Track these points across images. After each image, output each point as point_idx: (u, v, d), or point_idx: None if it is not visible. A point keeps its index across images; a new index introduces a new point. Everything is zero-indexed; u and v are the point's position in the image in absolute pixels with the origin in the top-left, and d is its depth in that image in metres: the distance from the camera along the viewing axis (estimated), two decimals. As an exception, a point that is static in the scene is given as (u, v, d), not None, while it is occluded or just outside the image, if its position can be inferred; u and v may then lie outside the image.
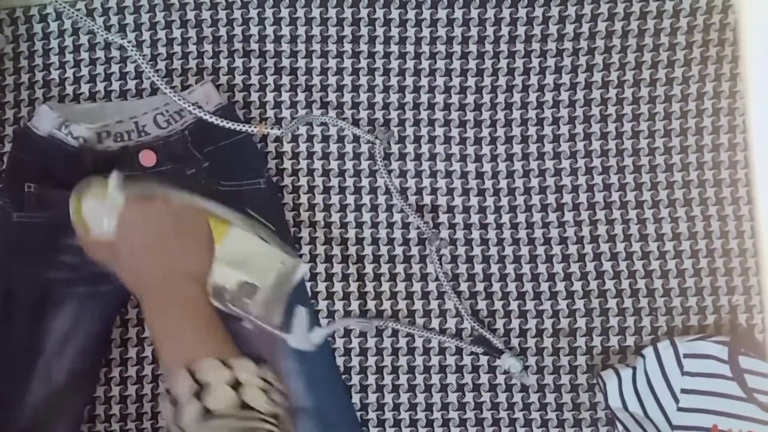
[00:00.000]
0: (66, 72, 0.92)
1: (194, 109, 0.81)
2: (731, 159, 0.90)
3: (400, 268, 0.89)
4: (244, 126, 0.82)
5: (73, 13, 0.83)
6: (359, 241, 0.90)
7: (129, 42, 0.81)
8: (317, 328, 0.76)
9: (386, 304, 0.89)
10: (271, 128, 0.84)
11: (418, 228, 0.89)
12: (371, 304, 0.89)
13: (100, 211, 0.70)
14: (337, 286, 0.89)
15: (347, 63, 0.92)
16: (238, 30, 0.93)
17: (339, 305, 0.89)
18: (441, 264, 0.88)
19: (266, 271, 0.76)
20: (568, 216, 0.90)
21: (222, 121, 0.81)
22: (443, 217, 0.90)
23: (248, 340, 0.71)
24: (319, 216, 0.90)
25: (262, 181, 0.88)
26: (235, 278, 0.74)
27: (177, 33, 0.93)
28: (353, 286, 0.89)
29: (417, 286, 0.89)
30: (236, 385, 0.56)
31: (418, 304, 0.89)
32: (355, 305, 0.89)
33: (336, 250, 0.90)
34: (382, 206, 0.90)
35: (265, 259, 0.77)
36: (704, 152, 0.91)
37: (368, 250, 0.90)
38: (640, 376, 0.84)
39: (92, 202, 0.71)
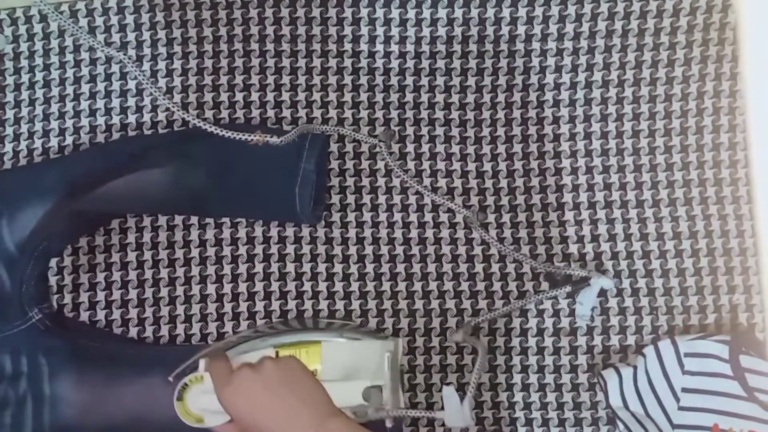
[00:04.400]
0: (66, 72, 0.92)
1: (199, 121, 0.76)
2: (731, 158, 0.90)
3: (400, 268, 0.89)
4: (242, 135, 0.78)
5: (76, 30, 0.81)
6: (359, 240, 0.90)
7: (129, 57, 0.78)
8: (466, 399, 0.70)
9: (388, 307, 0.89)
10: (270, 137, 0.80)
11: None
12: (372, 303, 0.89)
13: (206, 400, 0.69)
14: (338, 286, 0.89)
15: (347, 62, 0.92)
16: (238, 30, 0.93)
17: (340, 304, 0.89)
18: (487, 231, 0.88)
19: (378, 365, 0.73)
20: (569, 215, 0.90)
21: (224, 131, 0.76)
22: (443, 216, 0.90)
23: None
24: (320, 215, 0.91)
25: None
26: (357, 389, 0.70)
27: (177, 33, 0.93)
28: (354, 286, 0.89)
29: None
30: None
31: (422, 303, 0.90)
32: (356, 305, 0.89)
33: (337, 250, 0.90)
34: (382, 206, 0.90)
35: (372, 355, 0.74)
36: (705, 151, 0.91)
37: (368, 249, 0.90)
38: (641, 375, 0.84)
39: (196, 394, 0.70)
